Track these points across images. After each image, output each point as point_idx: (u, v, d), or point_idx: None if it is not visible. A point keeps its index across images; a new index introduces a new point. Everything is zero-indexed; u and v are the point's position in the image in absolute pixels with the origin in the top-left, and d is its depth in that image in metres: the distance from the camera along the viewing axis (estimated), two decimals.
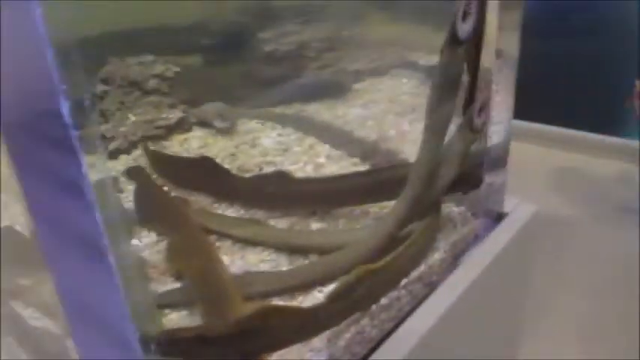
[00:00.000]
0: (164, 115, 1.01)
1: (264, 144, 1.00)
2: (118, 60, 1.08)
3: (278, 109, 1.10)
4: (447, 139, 0.73)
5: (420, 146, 0.69)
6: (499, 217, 0.87)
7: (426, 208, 0.73)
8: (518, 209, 0.88)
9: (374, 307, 0.64)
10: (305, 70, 1.13)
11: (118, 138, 0.96)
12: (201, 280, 0.66)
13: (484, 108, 0.73)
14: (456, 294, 0.70)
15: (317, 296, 0.67)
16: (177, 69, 1.11)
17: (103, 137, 0.99)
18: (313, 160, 0.95)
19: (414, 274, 0.70)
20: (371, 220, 0.81)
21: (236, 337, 0.50)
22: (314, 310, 0.56)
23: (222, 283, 0.65)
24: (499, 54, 0.73)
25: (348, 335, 0.61)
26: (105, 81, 1.04)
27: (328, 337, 0.61)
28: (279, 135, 1.04)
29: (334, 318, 0.58)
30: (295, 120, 1.07)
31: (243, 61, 1.15)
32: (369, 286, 0.61)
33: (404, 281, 0.68)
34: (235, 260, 0.75)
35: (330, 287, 0.66)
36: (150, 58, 1.11)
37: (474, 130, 0.72)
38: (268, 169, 0.93)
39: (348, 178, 0.83)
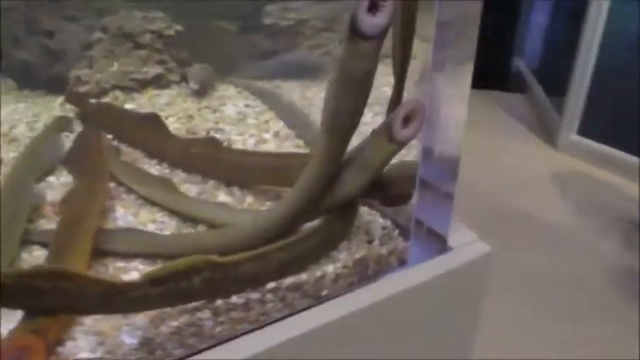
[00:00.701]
0: (144, 69, 1.02)
1: (226, 111, 0.99)
2: (125, 12, 1.10)
3: (261, 82, 1.08)
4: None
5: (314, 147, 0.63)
6: (440, 250, 0.77)
7: (321, 210, 0.67)
8: (467, 246, 0.76)
9: (219, 302, 0.60)
10: (296, 48, 1.09)
11: (90, 83, 0.98)
12: (66, 225, 0.66)
13: (413, 118, 0.64)
14: (336, 317, 0.63)
15: None
16: (180, 28, 1.12)
17: (78, 79, 1.02)
18: (260, 135, 0.92)
19: (290, 280, 0.64)
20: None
21: (20, 290, 0.48)
22: (121, 286, 0.52)
23: (80, 234, 0.64)
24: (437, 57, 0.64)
25: (175, 323, 0.57)
26: (104, 29, 1.07)
27: (152, 319, 0.57)
28: (246, 106, 1.02)
29: (153, 300, 0.54)
30: (267, 94, 1.06)
31: (245, 30, 1.13)
32: (209, 278, 0.56)
33: (271, 285, 0.63)
34: (127, 215, 0.74)
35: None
36: (159, 14, 1.12)
37: (394, 140, 0.63)
38: (214, 135, 0.92)
39: (263, 157, 0.80)
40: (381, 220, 0.76)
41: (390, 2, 0.54)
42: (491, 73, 3.17)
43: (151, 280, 0.53)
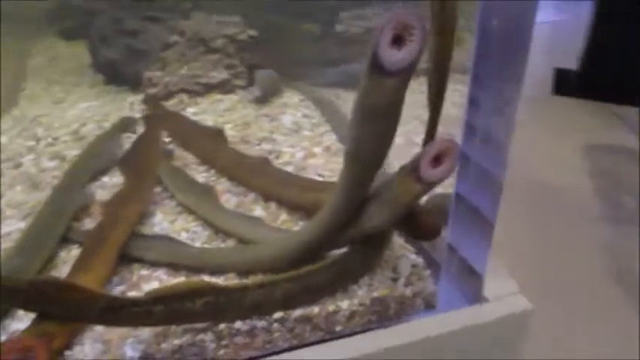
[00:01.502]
0: (212, 74, 1.04)
1: (283, 120, 0.98)
2: (203, 15, 1.14)
3: (325, 90, 1.06)
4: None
5: (340, 173, 0.61)
6: (474, 295, 0.71)
7: (346, 239, 0.65)
8: (505, 298, 0.69)
9: (223, 326, 0.60)
10: (362, 56, 1.07)
11: (159, 85, 1.02)
12: (101, 228, 0.69)
13: (445, 157, 0.59)
14: (348, 357, 0.61)
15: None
16: (254, 33, 1.13)
17: (149, 81, 1.07)
18: (311, 149, 0.91)
19: (299, 312, 0.63)
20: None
21: (29, 294, 0.52)
22: (125, 301, 0.54)
23: (112, 238, 0.67)
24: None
25: (178, 341, 0.59)
26: (181, 33, 1.11)
27: (156, 334, 0.59)
28: (304, 116, 1.01)
29: (156, 317, 0.55)
30: (327, 104, 1.04)
31: (319, 36, 1.12)
32: (212, 302, 0.57)
33: (278, 314, 0.62)
34: (164, 222, 0.77)
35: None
36: (235, 19, 1.15)
37: (421, 180, 0.59)
38: (266, 146, 0.93)
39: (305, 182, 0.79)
40: (413, 256, 0.72)
41: (420, 34, 0.50)
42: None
43: (153, 299, 0.55)
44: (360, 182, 0.61)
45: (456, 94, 0.74)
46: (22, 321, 0.59)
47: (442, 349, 0.65)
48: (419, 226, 0.67)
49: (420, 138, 0.70)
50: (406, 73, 0.52)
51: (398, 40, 0.50)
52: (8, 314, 0.60)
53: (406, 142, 0.93)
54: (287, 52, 1.15)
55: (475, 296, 0.70)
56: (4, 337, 0.58)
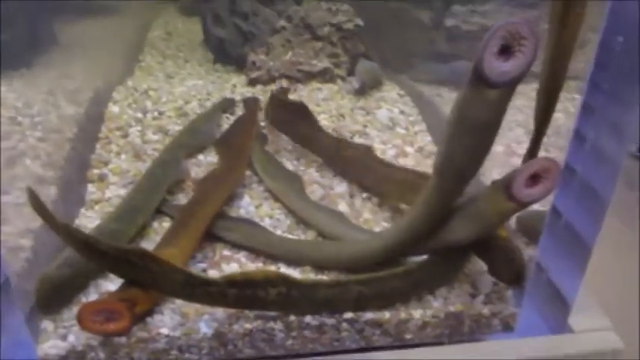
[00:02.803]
0: (314, 62, 1.04)
1: (378, 115, 0.97)
2: (315, 2, 1.14)
3: (428, 87, 1.03)
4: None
5: (426, 184, 0.58)
6: (557, 327, 0.67)
7: (427, 248, 0.64)
8: (593, 333, 0.64)
9: (293, 318, 0.61)
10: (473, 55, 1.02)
11: (262, 69, 1.04)
12: (190, 206, 0.73)
13: (544, 178, 0.55)
14: None
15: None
16: (360, 22, 1.12)
17: (253, 64, 1.09)
18: (402, 147, 0.89)
19: (370, 315, 0.62)
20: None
21: (116, 259, 0.56)
22: (201, 279, 0.56)
23: (199, 216, 0.70)
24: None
25: (249, 325, 0.60)
26: (289, 18, 1.12)
27: (229, 315, 0.61)
28: (401, 112, 0.99)
29: (230, 300, 0.57)
30: (426, 102, 1.00)
31: (429, 28, 1.08)
32: (285, 293, 0.58)
33: (348, 314, 0.61)
34: (250, 205, 0.79)
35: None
36: (345, 7, 1.14)
37: (513, 199, 0.56)
38: (358, 140, 0.92)
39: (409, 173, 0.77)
40: None
41: (531, 46, 0.47)
42: None
43: (228, 282, 0.57)
44: (446, 196, 0.59)
45: (570, 103, 0.69)
46: (112, 282, 0.64)
47: None
48: (496, 266, 0.64)
49: (522, 148, 0.66)
50: (511, 86, 0.49)
51: (506, 50, 0.47)
52: (102, 275, 0.65)
53: (506, 151, 0.88)
54: (394, 42, 1.12)
55: (559, 325, 0.66)
56: (95, 296, 0.63)
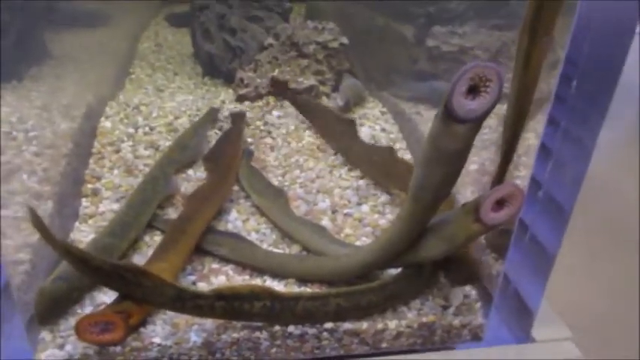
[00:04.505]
0: (300, 79, 1.09)
1: (361, 132, 1.00)
2: (302, 21, 1.19)
3: (408, 104, 1.08)
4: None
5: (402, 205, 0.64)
6: (522, 337, 0.72)
7: (402, 263, 0.69)
8: (554, 342, 0.69)
9: (277, 328, 0.65)
10: (450, 75, 1.08)
11: (250, 86, 1.08)
12: (180, 221, 0.76)
13: (509, 203, 0.60)
14: None
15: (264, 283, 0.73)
16: (345, 41, 1.16)
17: (241, 81, 1.13)
18: None
19: (348, 325, 0.67)
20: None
21: (110, 274, 0.60)
22: (191, 293, 0.61)
23: (188, 231, 0.74)
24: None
25: (236, 335, 0.65)
26: (276, 36, 1.17)
27: (218, 326, 0.65)
28: (382, 130, 1.04)
29: (218, 312, 0.62)
30: (406, 120, 1.04)
31: (412, 46, 1.13)
32: (269, 306, 0.62)
33: (328, 324, 0.66)
34: (237, 220, 0.83)
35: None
36: (330, 25, 1.19)
37: (480, 221, 0.61)
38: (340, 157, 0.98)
39: None
40: (467, 287, 0.74)
41: (496, 88, 0.51)
42: None
43: (216, 295, 0.61)
44: (419, 219, 0.64)
45: (540, 125, 0.74)
46: (106, 295, 0.68)
47: None
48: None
49: (495, 165, 0.70)
50: (476, 122, 0.54)
51: (473, 90, 0.52)
52: (96, 288, 0.69)
53: (479, 170, 0.93)
54: (378, 58, 1.17)
55: (523, 335, 0.71)
56: (91, 308, 0.67)
